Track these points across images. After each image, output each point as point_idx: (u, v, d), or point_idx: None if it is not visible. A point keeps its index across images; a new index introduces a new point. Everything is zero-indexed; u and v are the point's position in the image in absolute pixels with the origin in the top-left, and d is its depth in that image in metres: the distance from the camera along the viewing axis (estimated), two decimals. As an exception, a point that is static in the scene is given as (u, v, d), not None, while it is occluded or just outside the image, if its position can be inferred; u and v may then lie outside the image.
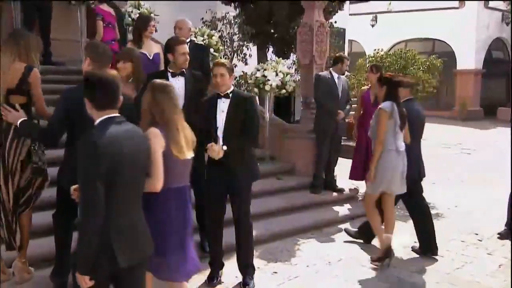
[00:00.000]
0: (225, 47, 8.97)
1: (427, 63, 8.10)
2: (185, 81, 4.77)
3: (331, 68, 7.09)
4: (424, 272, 5.01)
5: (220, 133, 4.21)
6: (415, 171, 5.28)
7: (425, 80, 7.94)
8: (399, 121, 4.98)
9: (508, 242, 5.73)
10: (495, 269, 5.11)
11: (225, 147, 4.14)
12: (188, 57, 4.68)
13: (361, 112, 7.21)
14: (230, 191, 4.36)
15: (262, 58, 9.41)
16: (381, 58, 8.16)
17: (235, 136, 4.22)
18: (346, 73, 13.02)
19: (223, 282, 4.55)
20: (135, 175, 2.73)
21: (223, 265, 4.61)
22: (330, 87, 6.87)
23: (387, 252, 5.08)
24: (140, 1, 8.46)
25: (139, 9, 8.25)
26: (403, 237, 6.06)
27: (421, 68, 8.01)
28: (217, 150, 4.07)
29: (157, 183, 3.02)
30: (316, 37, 7.33)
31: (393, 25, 20.32)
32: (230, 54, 9.13)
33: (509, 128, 6.12)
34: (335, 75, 6.95)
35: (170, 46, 4.71)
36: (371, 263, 5.12)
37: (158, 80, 3.34)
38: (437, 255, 5.42)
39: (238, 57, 9.10)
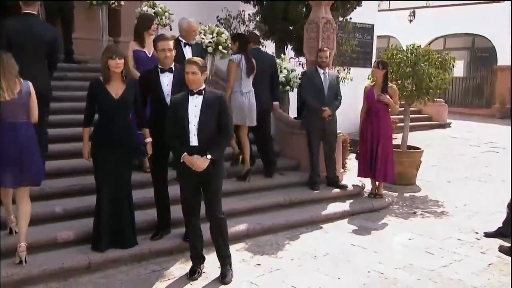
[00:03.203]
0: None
1: (440, 59, 7.94)
2: (173, 77, 4.95)
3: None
4: (409, 268, 4.98)
5: (193, 126, 4.28)
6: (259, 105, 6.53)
7: (436, 76, 7.79)
8: (245, 69, 6.30)
9: (506, 241, 5.61)
10: (482, 268, 5.02)
11: (209, 156, 4.27)
12: (168, 53, 4.82)
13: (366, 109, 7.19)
14: (202, 186, 4.46)
15: (281, 55, 9.46)
16: (392, 55, 8.06)
17: (210, 132, 4.31)
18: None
19: (204, 272, 4.69)
20: None
21: (204, 259, 4.71)
22: (313, 82, 6.91)
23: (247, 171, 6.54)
24: (156, 1, 8.69)
25: (153, 9, 8.48)
26: (401, 234, 6.04)
27: (434, 64, 7.87)
28: (202, 162, 4.25)
29: None
30: (322, 34, 7.35)
31: (432, 21, 19.83)
32: (245, 51, 9.21)
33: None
34: (320, 70, 6.96)
35: (154, 43, 4.92)
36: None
37: None
38: (271, 176, 6.89)
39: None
